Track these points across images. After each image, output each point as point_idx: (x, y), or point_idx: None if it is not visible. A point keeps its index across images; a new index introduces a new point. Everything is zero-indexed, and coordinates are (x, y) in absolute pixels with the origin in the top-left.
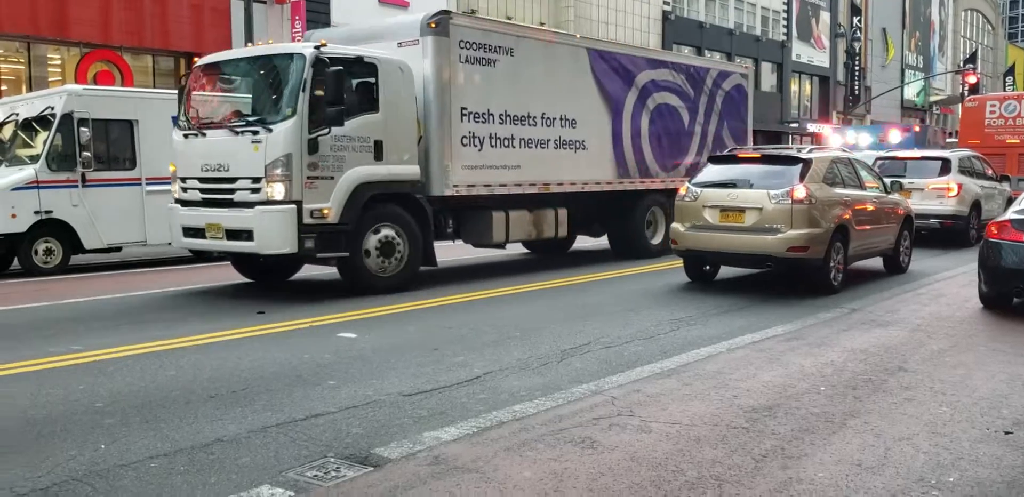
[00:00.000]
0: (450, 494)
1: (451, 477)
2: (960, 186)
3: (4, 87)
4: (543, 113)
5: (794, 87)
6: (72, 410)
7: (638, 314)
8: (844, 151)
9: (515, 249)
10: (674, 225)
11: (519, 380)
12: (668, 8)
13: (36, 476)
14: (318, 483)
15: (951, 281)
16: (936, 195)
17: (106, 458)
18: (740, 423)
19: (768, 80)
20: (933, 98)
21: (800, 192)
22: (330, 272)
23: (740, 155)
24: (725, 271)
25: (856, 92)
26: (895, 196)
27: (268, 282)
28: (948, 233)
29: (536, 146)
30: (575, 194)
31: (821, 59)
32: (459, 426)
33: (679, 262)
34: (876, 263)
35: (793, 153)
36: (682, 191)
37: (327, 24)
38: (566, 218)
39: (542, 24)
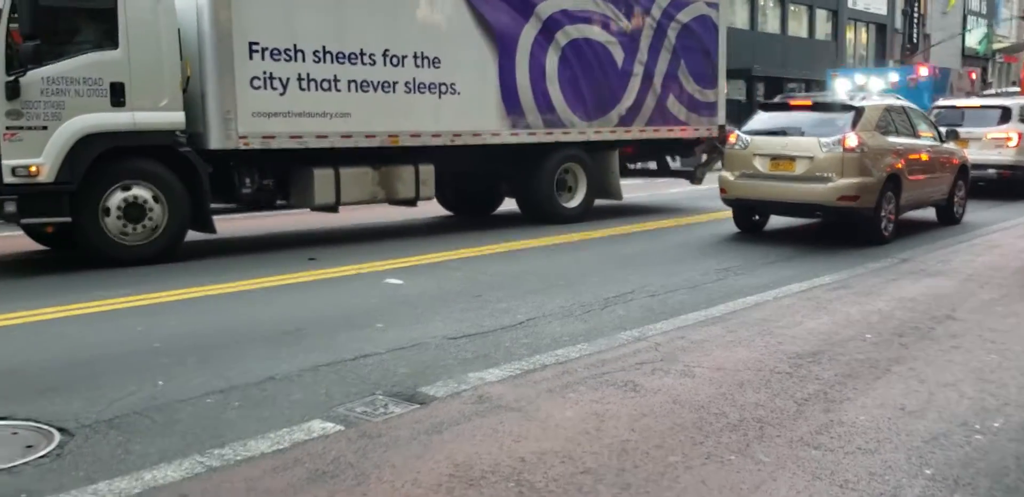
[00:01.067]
0: (494, 430)
1: (495, 415)
2: (1021, 135)
3: None
4: (386, 49)
5: (849, 35)
6: (130, 350)
7: (683, 264)
8: (897, 98)
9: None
10: (723, 174)
11: (562, 326)
12: None
13: (98, 409)
14: (367, 418)
15: (1007, 232)
16: (995, 145)
17: (164, 394)
18: (784, 368)
19: (823, 28)
20: (996, 46)
21: (852, 140)
22: (382, 220)
23: (792, 103)
24: (775, 221)
25: (915, 40)
26: (950, 145)
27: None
28: (1007, 184)
29: (376, 89)
30: (446, 148)
31: (878, 6)
32: (502, 368)
33: (726, 212)
34: (929, 213)
35: (845, 101)
36: (732, 139)
37: None
38: (432, 176)
39: None
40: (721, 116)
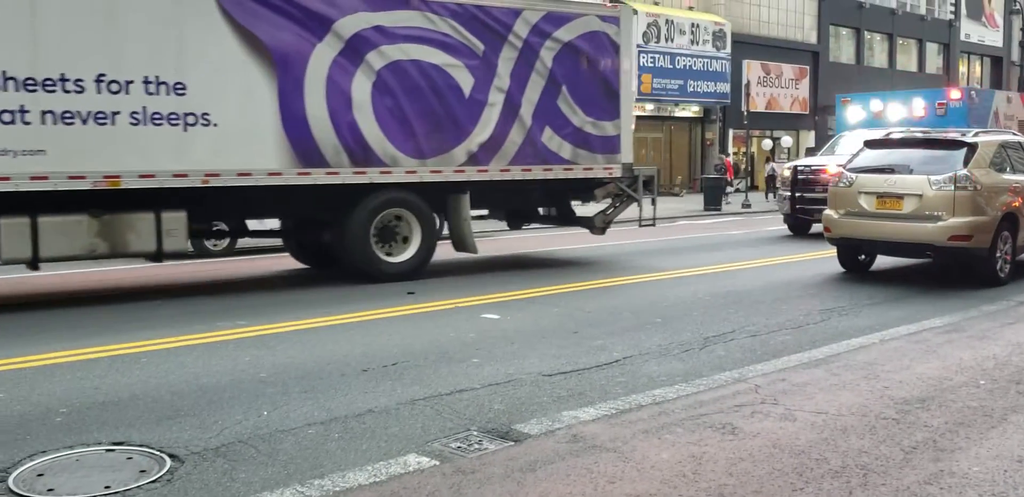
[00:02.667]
0: (588, 470)
1: (589, 455)
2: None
3: None
4: (101, 74)
5: (962, 68)
6: (239, 379)
7: (787, 303)
8: (1014, 134)
9: (670, 235)
10: (827, 212)
11: (659, 365)
12: None
13: (207, 437)
14: (461, 454)
15: None
16: None
17: (268, 423)
18: (890, 414)
19: (933, 61)
20: None
21: (964, 178)
22: (470, 256)
23: (899, 139)
24: (882, 260)
25: None
26: None
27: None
28: None
29: (85, 121)
30: (208, 190)
31: (993, 38)
32: (598, 407)
33: (831, 251)
34: None
35: (957, 136)
36: (837, 177)
37: None
38: (183, 225)
39: (691, 8)
40: (626, 153)
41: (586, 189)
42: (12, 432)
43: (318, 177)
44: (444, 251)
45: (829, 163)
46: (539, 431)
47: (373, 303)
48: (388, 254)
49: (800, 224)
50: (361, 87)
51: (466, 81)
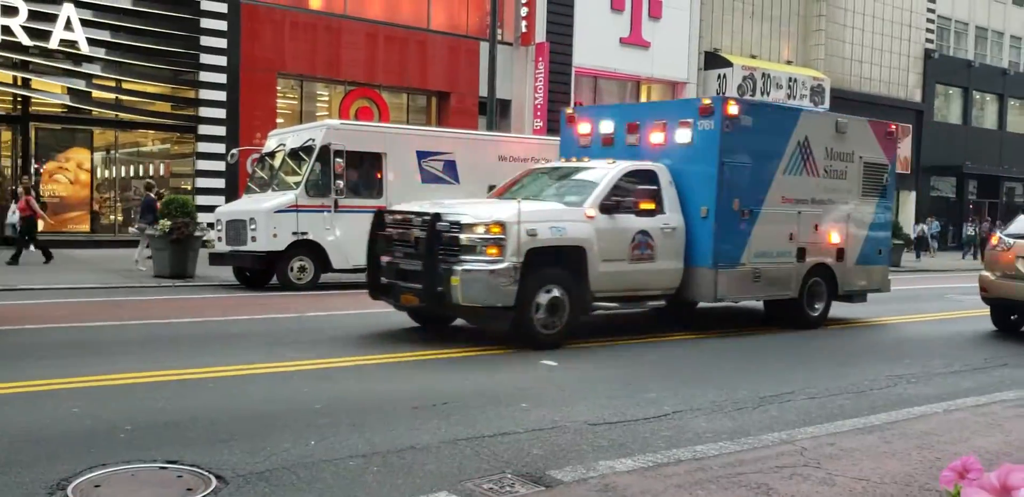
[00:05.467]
0: None
1: None
2: None
3: (280, 120)
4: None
5: None
6: (294, 408)
7: (854, 366)
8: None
9: None
10: (983, 273)
11: (708, 422)
12: (932, 46)
13: (254, 461)
14: (491, 495)
15: None
16: None
17: (313, 453)
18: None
19: None
20: None
21: None
22: None
23: None
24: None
25: None
26: None
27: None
28: None
29: None
30: None
31: None
32: (635, 458)
33: (916, 317)
34: None
35: None
36: (994, 241)
37: (568, 65)
38: None
39: (789, 62)
40: None
41: None
42: (78, 445)
43: None
44: None
45: None
46: (572, 478)
47: (435, 345)
48: None
49: None
50: None
51: None
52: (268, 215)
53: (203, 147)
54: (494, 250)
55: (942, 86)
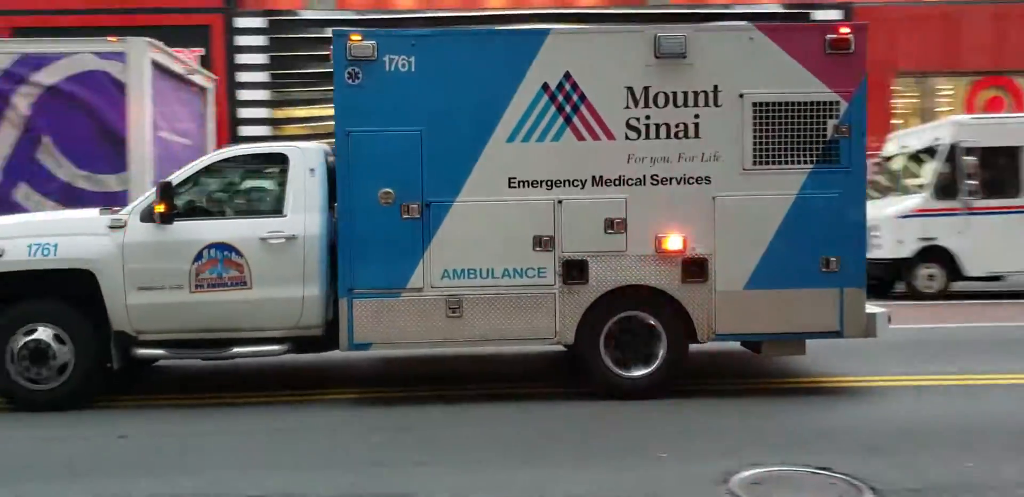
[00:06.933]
0: None
1: None
2: None
3: (898, 121)
4: None
5: None
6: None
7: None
8: None
9: None
10: None
11: None
12: None
13: (906, 476)
14: None
15: None
16: None
17: (971, 475)
18: None
19: None
20: None
21: None
22: None
23: None
24: None
25: None
26: None
27: None
28: None
29: None
30: None
31: None
32: None
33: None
34: None
35: None
36: None
37: None
38: None
39: None
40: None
41: None
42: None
43: None
44: None
45: None
46: None
47: None
48: None
49: None
50: None
51: None
52: (892, 221)
53: None
54: None
55: None
